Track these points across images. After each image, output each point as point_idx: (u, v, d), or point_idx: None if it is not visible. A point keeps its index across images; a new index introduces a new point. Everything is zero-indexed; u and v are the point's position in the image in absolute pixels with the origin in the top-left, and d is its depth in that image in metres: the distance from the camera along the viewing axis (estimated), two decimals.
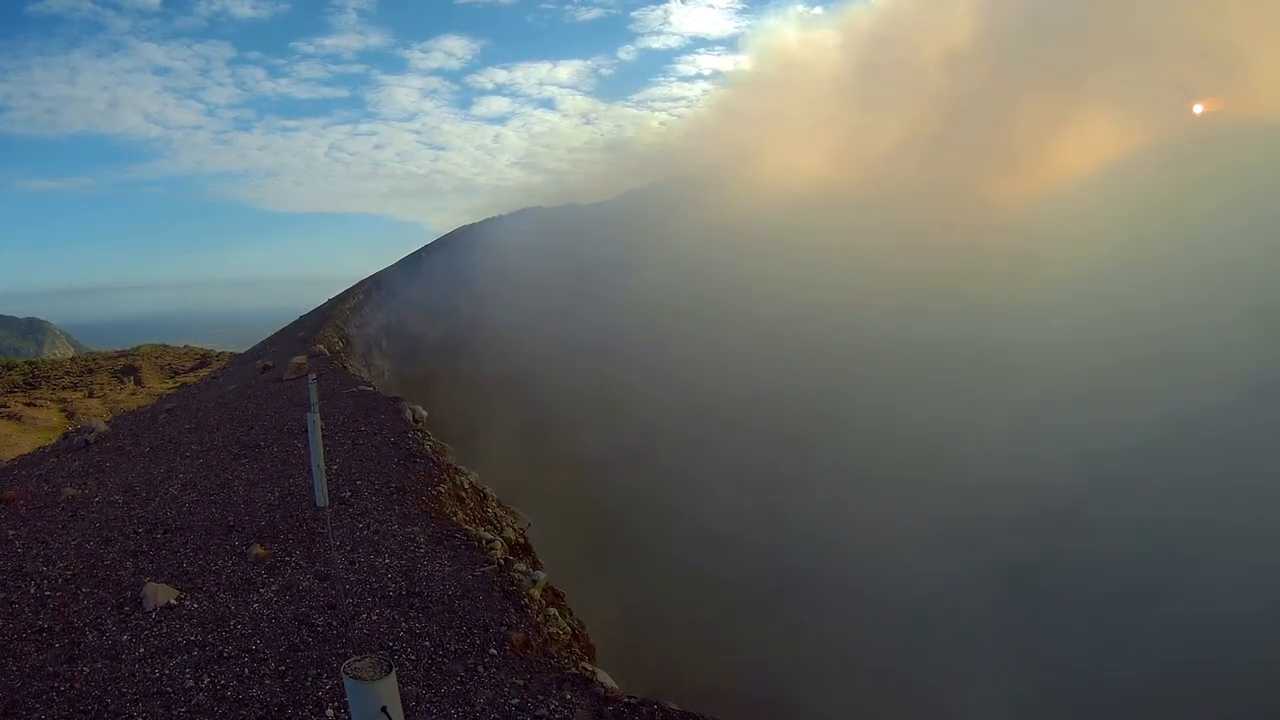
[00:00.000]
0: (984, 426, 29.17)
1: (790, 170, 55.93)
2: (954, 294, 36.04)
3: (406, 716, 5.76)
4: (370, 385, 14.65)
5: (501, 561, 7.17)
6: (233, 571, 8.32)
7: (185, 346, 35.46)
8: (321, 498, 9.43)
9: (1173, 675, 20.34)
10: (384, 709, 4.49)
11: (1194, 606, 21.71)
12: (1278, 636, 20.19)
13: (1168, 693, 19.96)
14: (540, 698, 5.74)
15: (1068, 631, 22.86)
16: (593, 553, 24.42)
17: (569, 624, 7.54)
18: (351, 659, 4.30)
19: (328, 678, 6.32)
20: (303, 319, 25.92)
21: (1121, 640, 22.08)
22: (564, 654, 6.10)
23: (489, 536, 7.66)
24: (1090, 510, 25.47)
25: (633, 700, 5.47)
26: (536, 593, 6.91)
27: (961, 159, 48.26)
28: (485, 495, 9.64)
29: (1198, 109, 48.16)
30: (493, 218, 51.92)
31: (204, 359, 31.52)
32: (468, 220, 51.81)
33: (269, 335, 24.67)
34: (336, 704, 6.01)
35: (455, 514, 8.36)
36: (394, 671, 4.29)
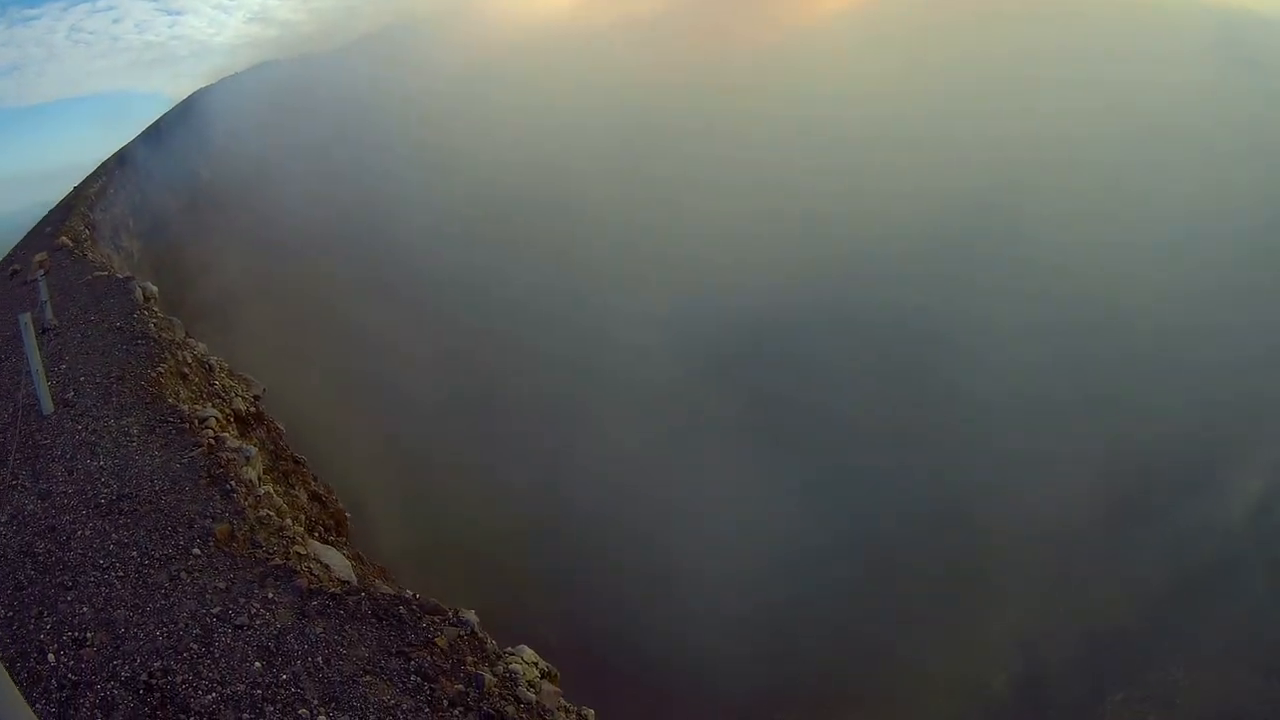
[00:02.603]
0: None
1: (536, 4, 53.25)
2: (696, 134, 34.53)
3: (115, 645, 4.93)
4: (106, 270, 12.69)
5: (212, 442, 5.76)
6: None
7: None
8: (46, 404, 7.85)
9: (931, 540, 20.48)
10: None
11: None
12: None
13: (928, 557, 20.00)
14: (242, 601, 4.64)
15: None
16: (344, 406, 23.18)
17: (315, 489, 6.29)
18: None
19: (48, 615, 5.39)
20: (50, 213, 23.23)
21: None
22: (273, 540, 4.80)
23: (203, 414, 6.22)
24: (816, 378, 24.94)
25: (338, 591, 4.35)
26: (252, 472, 5.56)
27: None
28: (212, 368, 8.10)
29: None
30: (225, 78, 48.14)
31: None
32: (204, 84, 48.04)
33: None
34: (57, 645, 5.12)
35: (176, 394, 6.85)
36: None
